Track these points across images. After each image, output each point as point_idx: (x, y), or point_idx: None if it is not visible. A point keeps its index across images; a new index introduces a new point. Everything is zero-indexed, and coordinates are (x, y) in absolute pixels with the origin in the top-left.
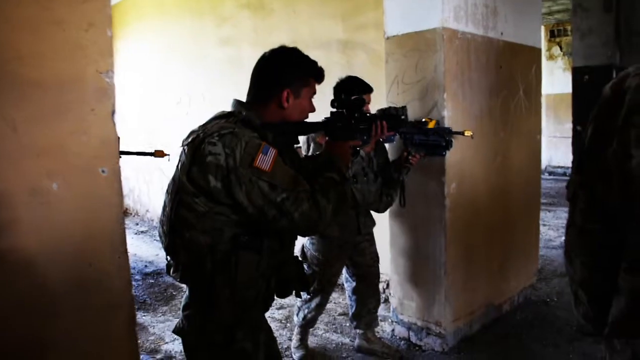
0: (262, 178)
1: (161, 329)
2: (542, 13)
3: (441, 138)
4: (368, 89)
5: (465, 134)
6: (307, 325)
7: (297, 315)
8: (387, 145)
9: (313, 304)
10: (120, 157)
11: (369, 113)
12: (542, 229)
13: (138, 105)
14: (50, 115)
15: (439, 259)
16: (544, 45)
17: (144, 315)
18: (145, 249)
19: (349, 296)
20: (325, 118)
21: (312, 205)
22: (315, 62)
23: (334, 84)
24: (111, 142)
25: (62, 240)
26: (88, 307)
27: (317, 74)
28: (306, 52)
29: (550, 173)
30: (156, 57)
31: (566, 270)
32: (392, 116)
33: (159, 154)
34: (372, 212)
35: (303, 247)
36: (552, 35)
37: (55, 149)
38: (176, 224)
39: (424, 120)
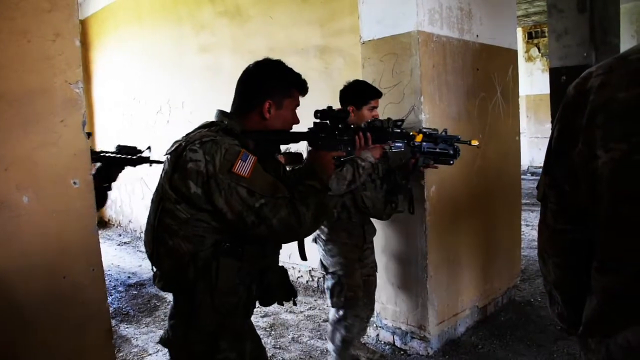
0: (240, 184)
1: (144, 340)
2: (519, 15)
3: (450, 146)
4: (378, 94)
5: (472, 143)
6: (347, 347)
7: (333, 339)
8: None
9: (348, 321)
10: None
11: (374, 120)
12: (525, 229)
13: (118, 114)
14: (18, 127)
15: (420, 263)
16: (522, 47)
17: (127, 327)
18: (128, 260)
19: None
20: (309, 128)
21: (291, 211)
22: (298, 75)
23: (310, 89)
24: (82, 154)
25: (34, 253)
26: (63, 320)
27: (300, 86)
28: (284, 58)
29: (532, 174)
30: (135, 66)
31: (541, 270)
32: (378, 128)
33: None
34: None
35: (321, 261)
36: (530, 36)
37: (25, 161)
38: (159, 232)
39: (431, 130)
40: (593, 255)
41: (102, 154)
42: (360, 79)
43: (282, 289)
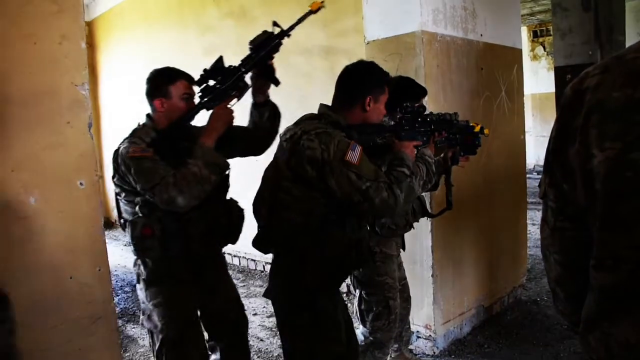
0: (351, 169)
1: None
2: (524, 14)
3: (475, 137)
4: (425, 92)
5: (485, 132)
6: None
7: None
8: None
9: (384, 344)
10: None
11: (444, 113)
12: (530, 228)
13: (124, 115)
14: (24, 128)
15: (426, 262)
16: (527, 45)
17: (134, 327)
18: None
19: None
20: (394, 121)
21: (390, 193)
22: (387, 73)
23: (316, 90)
24: (88, 155)
25: (41, 254)
26: (69, 320)
27: (389, 83)
28: (288, 58)
29: (538, 172)
30: (141, 67)
31: (544, 267)
32: (448, 122)
33: None
34: None
35: (357, 278)
36: (535, 35)
37: (31, 162)
38: (274, 205)
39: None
40: (591, 253)
41: None
42: None
43: (371, 255)
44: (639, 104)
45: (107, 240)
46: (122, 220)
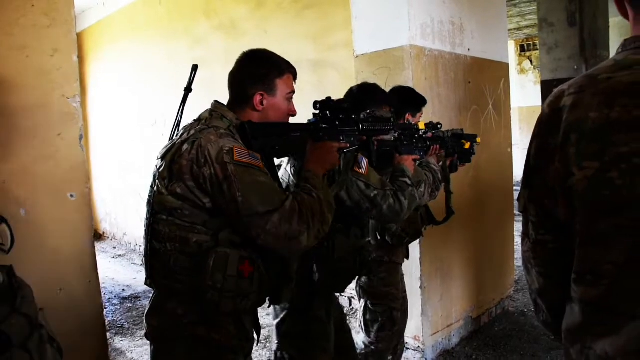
0: (360, 179)
1: (139, 353)
2: (511, 28)
3: (470, 145)
4: (425, 102)
5: (477, 140)
6: None
7: None
8: None
9: (385, 355)
10: None
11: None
12: (518, 239)
13: (113, 127)
14: (15, 140)
15: (415, 274)
16: (515, 59)
17: (122, 340)
18: (123, 273)
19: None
20: (394, 137)
21: (396, 199)
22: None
23: (306, 104)
24: (79, 167)
25: (31, 266)
26: (58, 332)
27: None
28: None
29: None
30: (131, 79)
31: (526, 279)
32: (440, 138)
33: None
34: None
35: (363, 288)
36: (523, 49)
37: (22, 174)
38: None
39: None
40: (572, 266)
41: None
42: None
43: (369, 268)
44: (615, 125)
45: (96, 253)
46: (152, 247)
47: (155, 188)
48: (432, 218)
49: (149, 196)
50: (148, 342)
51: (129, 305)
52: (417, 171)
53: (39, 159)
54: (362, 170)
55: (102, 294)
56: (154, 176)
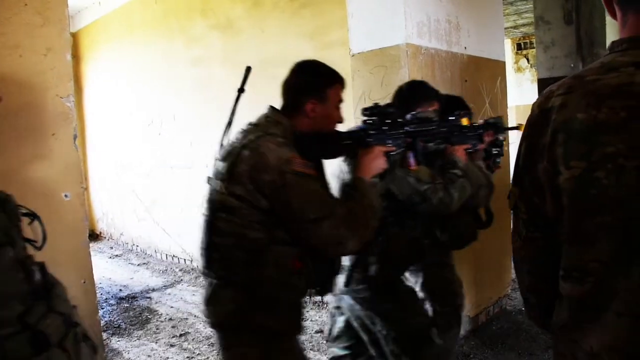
0: (409, 175)
1: (136, 353)
2: (508, 27)
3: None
4: (438, 94)
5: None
6: None
7: None
8: None
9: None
10: None
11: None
12: None
13: (110, 127)
14: (9, 140)
15: None
16: (511, 58)
17: (119, 340)
18: (119, 273)
19: None
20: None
21: (446, 193)
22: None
23: None
24: (74, 167)
25: None
26: None
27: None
28: (274, 70)
29: None
30: (127, 79)
31: (516, 277)
32: (492, 125)
33: None
34: None
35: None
36: (519, 48)
37: (16, 174)
38: None
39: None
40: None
41: None
42: (350, 91)
43: (421, 255)
44: (602, 126)
45: (91, 253)
46: (211, 241)
47: (216, 187)
48: (479, 220)
49: (209, 194)
50: (145, 342)
51: (125, 305)
52: (475, 175)
53: (32, 159)
54: (412, 167)
55: (99, 294)
56: (214, 176)
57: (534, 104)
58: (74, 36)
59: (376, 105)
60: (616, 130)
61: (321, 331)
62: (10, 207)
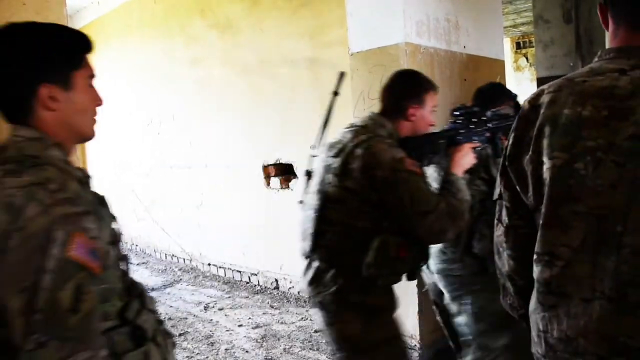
0: None
1: None
2: (507, 26)
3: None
4: (514, 96)
5: None
6: None
7: None
8: None
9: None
10: None
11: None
12: None
13: (109, 126)
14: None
15: None
16: (511, 57)
17: None
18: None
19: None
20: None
21: None
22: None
23: (300, 101)
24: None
25: None
26: None
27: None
28: (274, 69)
29: None
30: (126, 78)
31: (495, 264)
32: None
33: None
34: None
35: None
36: (518, 47)
37: None
38: None
39: None
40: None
41: None
42: (350, 90)
43: None
44: (585, 121)
45: None
46: (320, 229)
47: (328, 181)
48: None
49: (320, 187)
50: None
51: None
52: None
53: None
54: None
55: None
56: (326, 170)
57: (525, 100)
58: None
59: (464, 106)
60: (597, 126)
61: (321, 331)
62: (108, 205)
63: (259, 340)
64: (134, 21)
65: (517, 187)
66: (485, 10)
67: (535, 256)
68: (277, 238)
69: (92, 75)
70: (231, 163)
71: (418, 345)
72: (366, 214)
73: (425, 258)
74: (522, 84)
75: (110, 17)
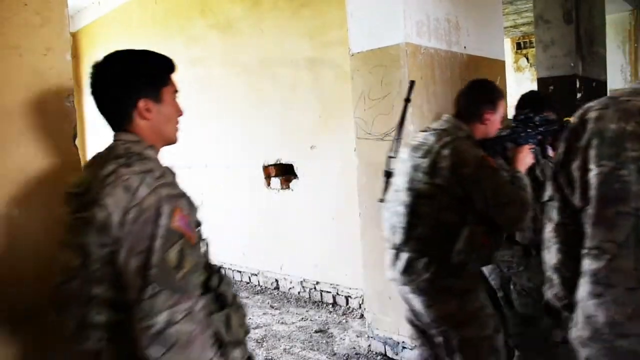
0: (551, 161)
1: None
2: (508, 26)
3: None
4: (550, 103)
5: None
6: None
7: None
8: None
9: None
10: None
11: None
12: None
13: (108, 127)
14: (9, 140)
15: None
16: (511, 57)
17: None
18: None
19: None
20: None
21: None
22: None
23: (300, 101)
24: (73, 166)
25: (26, 267)
26: (55, 332)
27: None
28: (274, 69)
29: None
30: None
31: (543, 258)
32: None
33: None
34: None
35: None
36: (519, 47)
37: (16, 174)
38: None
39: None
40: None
41: None
42: (350, 90)
43: None
44: (629, 135)
45: None
46: (410, 221)
47: (418, 179)
48: None
49: (409, 185)
50: None
51: None
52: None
53: (32, 159)
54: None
55: None
56: (414, 169)
57: (574, 115)
58: (74, 36)
59: (522, 113)
60: (639, 139)
61: (321, 331)
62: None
63: (259, 341)
64: (135, 21)
65: (567, 190)
66: (485, 10)
67: (585, 250)
68: (278, 238)
69: (175, 91)
70: (231, 163)
71: None
72: (453, 207)
73: (500, 245)
74: (522, 84)
75: (111, 17)
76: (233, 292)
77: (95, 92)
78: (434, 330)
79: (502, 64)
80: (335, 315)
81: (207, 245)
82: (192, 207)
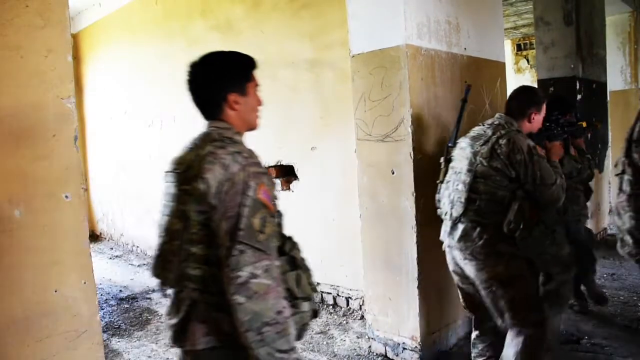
0: (572, 158)
1: (136, 354)
2: (508, 28)
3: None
4: (572, 106)
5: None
6: None
7: None
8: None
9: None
10: None
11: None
12: None
13: (110, 127)
14: (10, 141)
15: (411, 273)
16: (511, 58)
17: (119, 341)
18: (120, 274)
19: None
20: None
21: (589, 170)
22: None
23: (301, 102)
24: (74, 167)
25: (26, 267)
26: (54, 333)
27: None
28: (274, 71)
29: None
30: (127, 80)
31: (614, 222)
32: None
33: None
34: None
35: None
36: (519, 48)
37: (17, 175)
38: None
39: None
40: None
41: None
42: (350, 91)
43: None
44: None
45: (92, 254)
46: (469, 197)
47: (478, 162)
48: None
49: (469, 167)
50: (145, 343)
51: (126, 306)
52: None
53: (33, 160)
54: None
55: (99, 295)
56: (474, 155)
57: None
58: (75, 37)
59: (553, 114)
60: None
61: (321, 332)
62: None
63: None
64: (136, 23)
65: (639, 164)
66: (485, 12)
67: None
68: None
69: (257, 85)
70: None
71: (419, 347)
72: (506, 186)
73: (540, 218)
74: None
75: (112, 18)
76: (302, 256)
77: (192, 88)
78: (483, 292)
79: (502, 65)
80: (335, 317)
81: (281, 216)
82: (272, 184)
